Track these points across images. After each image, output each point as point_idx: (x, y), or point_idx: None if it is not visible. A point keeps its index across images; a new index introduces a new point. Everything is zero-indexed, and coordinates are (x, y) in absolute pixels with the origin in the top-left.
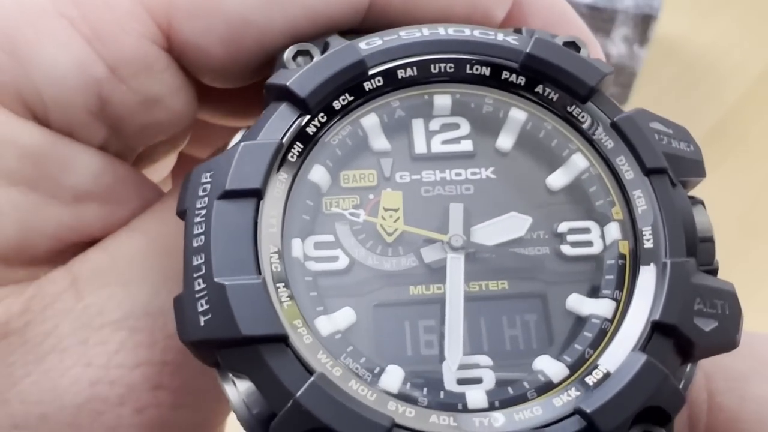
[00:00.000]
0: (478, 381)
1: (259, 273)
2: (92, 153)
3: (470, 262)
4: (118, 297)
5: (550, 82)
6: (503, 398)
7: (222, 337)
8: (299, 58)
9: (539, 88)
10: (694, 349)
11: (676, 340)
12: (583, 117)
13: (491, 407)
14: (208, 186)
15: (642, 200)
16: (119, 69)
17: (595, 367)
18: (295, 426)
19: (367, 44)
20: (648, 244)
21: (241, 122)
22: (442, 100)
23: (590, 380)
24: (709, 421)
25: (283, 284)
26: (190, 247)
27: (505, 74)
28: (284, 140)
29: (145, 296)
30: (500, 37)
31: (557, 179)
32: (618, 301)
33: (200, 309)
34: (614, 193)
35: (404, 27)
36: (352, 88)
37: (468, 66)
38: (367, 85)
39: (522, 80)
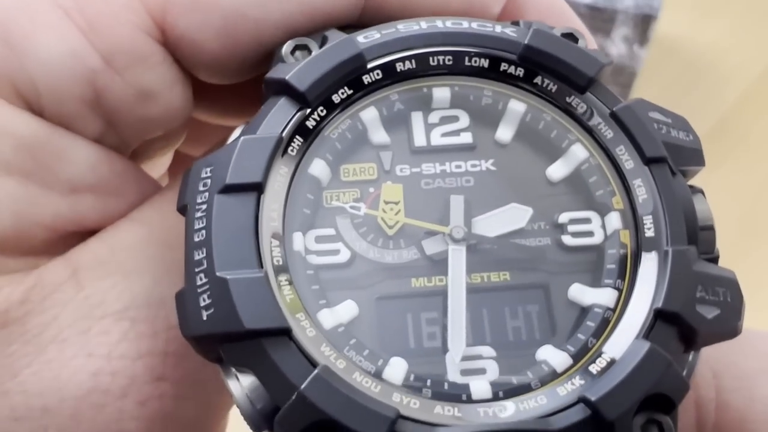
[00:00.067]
0: (481, 372)
1: (261, 267)
2: (88, 145)
3: (472, 253)
4: (119, 287)
5: (549, 73)
6: (507, 388)
7: (225, 331)
8: (297, 53)
9: (538, 80)
10: (696, 336)
11: (679, 328)
12: (582, 107)
13: (495, 397)
14: (209, 181)
15: (642, 189)
16: (114, 60)
17: (600, 354)
18: (300, 419)
19: (366, 38)
20: (649, 233)
21: (237, 121)
22: (441, 92)
23: (594, 369)
24: (717, 420)
25: (285, 278)
26: (192, 241)
27: (503, 66)
28: (284, 134)
29: (146, 287)
30: (498, 29)
31: (557, 170)
32: (620, 290)
33: (202, 304)
34: (614, 183)
35: (402, 20)
36: (351, 81)
37: (466, 58)
38: (366, 79)
39: (521, 72)
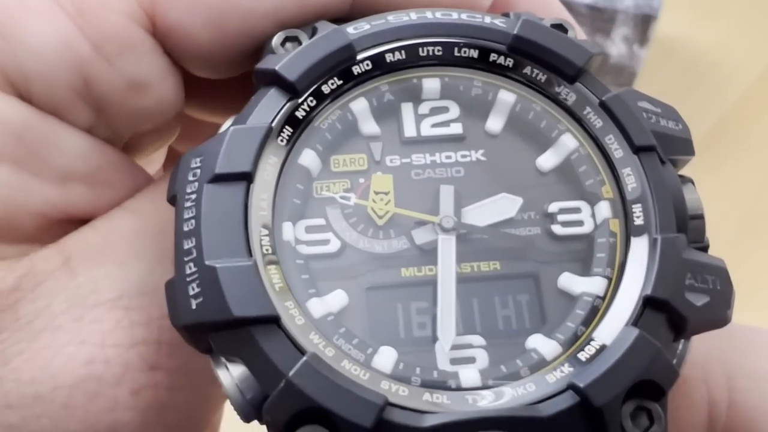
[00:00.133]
0: (471, 361)
1: (250, 255)
2: (79, 134)
3: (462, 243)
4: (112, 276)
5: (538, 63)
6: (496, 377)
7: (214, 319)
8: (288, 44)
9: (527, 70)
10: (686, 323)
11: (668, 315)
12: (571, 97)
13: (485, 386)
14: (198, 171)
15: (631, 178)
16: (103, 48)
17: (590, 341)
18: (288, 406)
19: (355, 29)
20: (638, 221)
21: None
22: (431, 83)
23: (583, 356)
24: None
25: (275, 267)
26: (181, 231)
27: (493, 56)
28: (274, 124)
29: (140, 275)
30: (488, 19)
31: (547, 160)
32: (609, 279)
33: (191, 292)
34: (604, 172)
35: (392, 12)
36: (341, 72)
37: (456, 49)
38: (356, 69)
39: (510, 62)
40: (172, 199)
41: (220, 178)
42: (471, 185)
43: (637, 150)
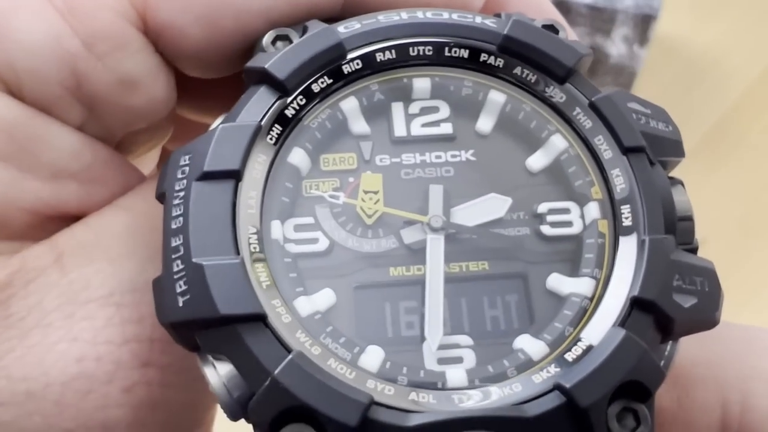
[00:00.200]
0: (458, 360)
1: (238, 253)
2: (71, 132)
3: (450, 243)
4: (104, 273)
5: (528, 63)
6: (483, 376)
7: (200, 317)
8: (278, 43)
9: (517, 70)
10: (673, 325)
11: (655, 316)
12: (561, 98)
13: (471, 385)
14: (187, 168)
15: (620, 179)
16: (94, 45)
17: (577, 341)
18: (273, 404)
19: (346, 28)
20: (627, 222)
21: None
22: (422, 83)
23: (570, 356)
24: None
25: (262, 265)
26: (169, 228)
27: (483, 56)
28: (263, 122)
29: (131, 272)
30: (478, 20)
31: (537, 160)
32: (598, 280)
33: (179, 290)
34: (593, 173)
35: (383, 11)
36: (331, 71)
37: (446, 49)
38: (346, 68)
39: (500, 62)
40: (161, 197)
41: (208, 176)
42: (460, 185)
43: (626, 151)
